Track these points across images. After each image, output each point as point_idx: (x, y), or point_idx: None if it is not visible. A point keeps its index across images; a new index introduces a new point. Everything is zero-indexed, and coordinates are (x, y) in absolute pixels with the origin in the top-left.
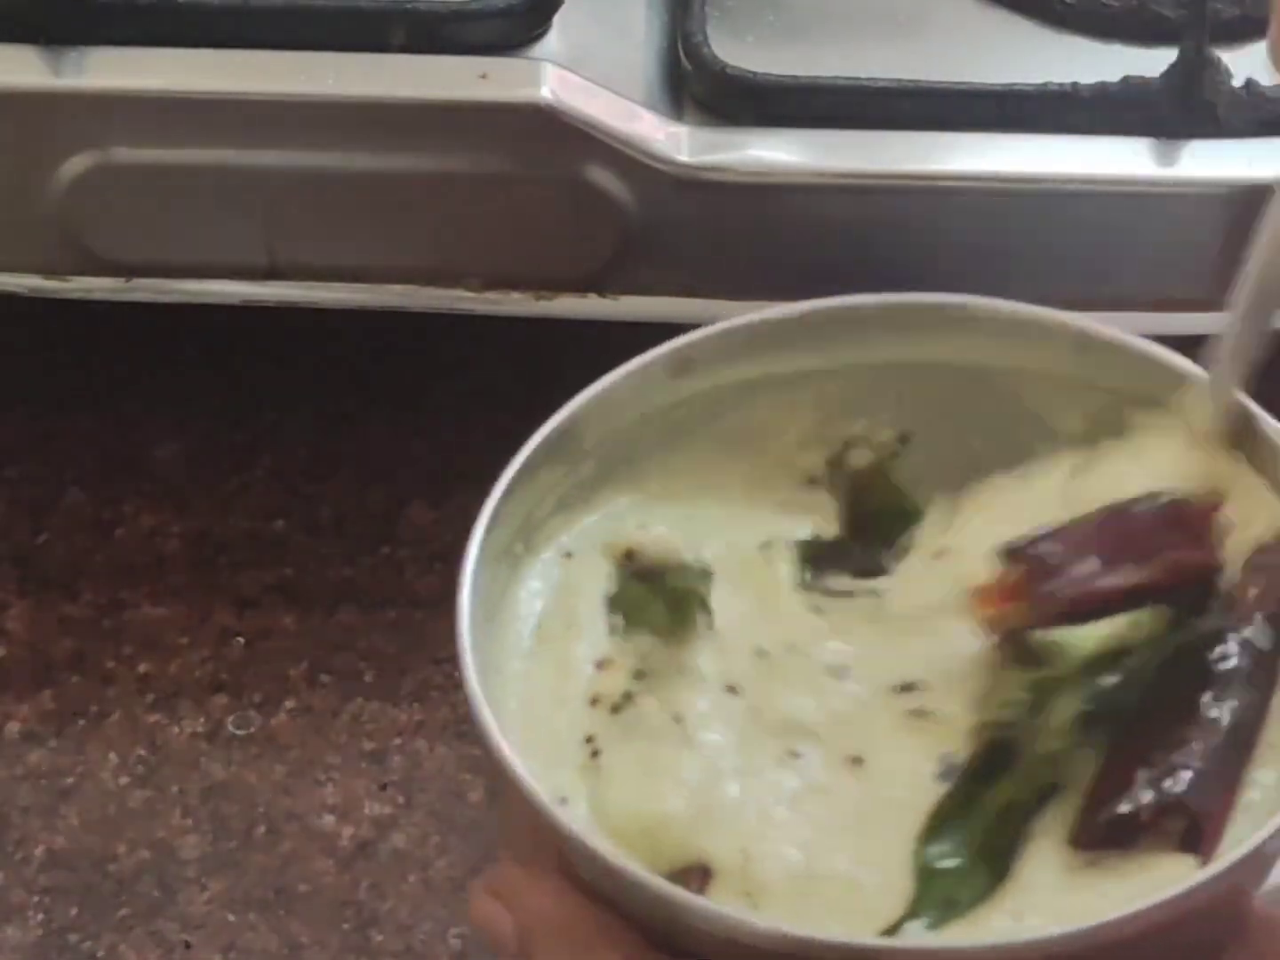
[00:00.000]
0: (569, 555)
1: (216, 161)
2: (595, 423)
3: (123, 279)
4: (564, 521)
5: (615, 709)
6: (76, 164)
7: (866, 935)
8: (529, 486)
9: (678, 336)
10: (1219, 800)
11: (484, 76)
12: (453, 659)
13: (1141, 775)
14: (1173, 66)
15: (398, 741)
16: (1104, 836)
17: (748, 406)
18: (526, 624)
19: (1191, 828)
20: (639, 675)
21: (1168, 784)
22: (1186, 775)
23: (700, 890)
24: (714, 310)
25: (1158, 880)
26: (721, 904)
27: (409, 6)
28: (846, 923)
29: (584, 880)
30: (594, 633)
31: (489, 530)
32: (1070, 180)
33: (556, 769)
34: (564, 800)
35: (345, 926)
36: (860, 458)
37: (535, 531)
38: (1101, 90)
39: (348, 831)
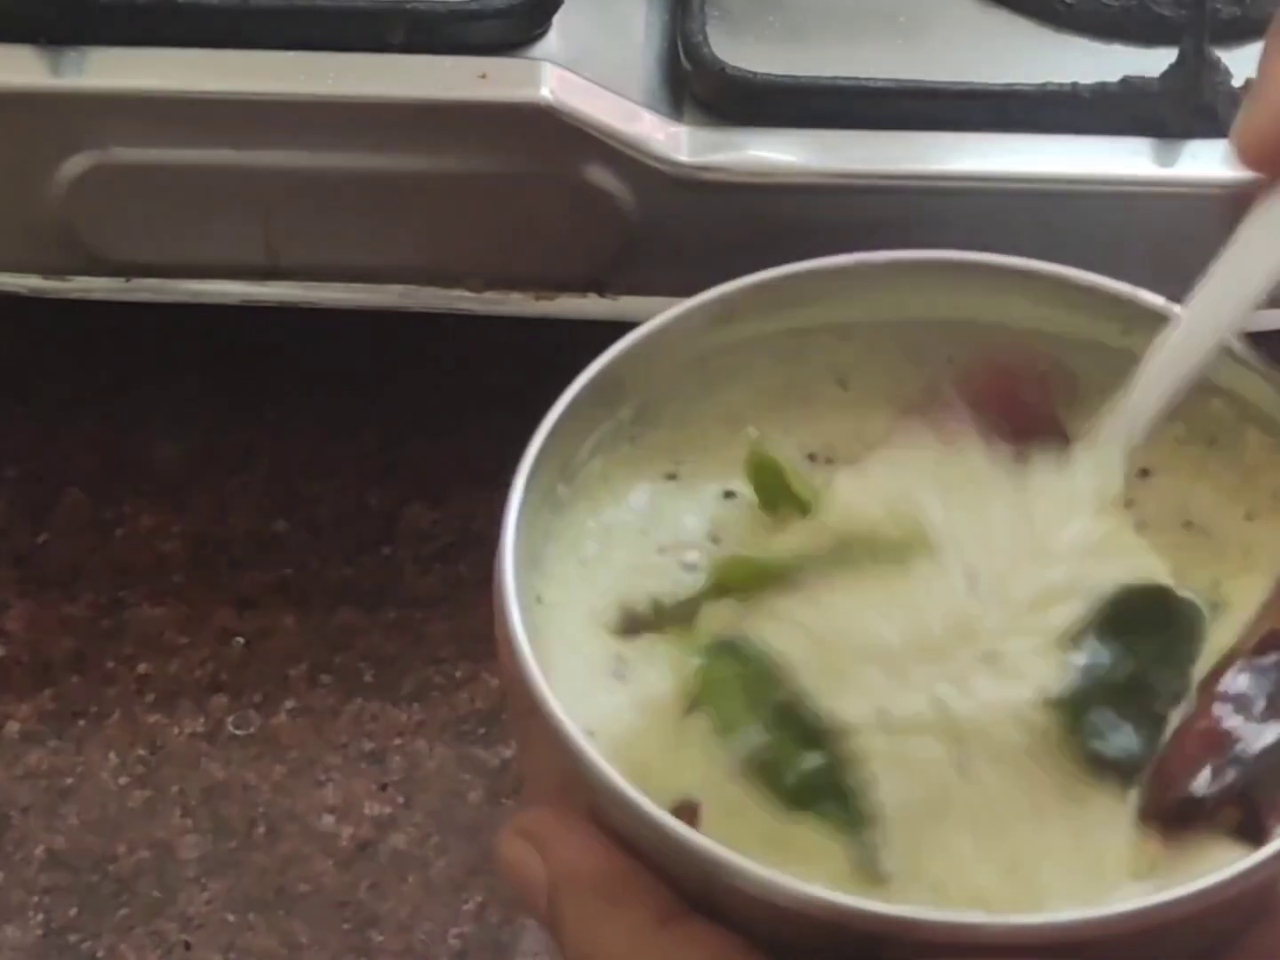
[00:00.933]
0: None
1: (216, 161)
2: (637, 368)
3: (123, 279)
4: (604, 462)
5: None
6: (76, 164)
7: (924, 908)
8: (571, 429)
9: (720, 284)
10: (1277, 795)
11: (484, 76)
12: (453, 659)
13: (1208, 763)
14: (1173, 66)
15: (398, 741)
16: (1167, 817)
17: (790, 354)
18: (570, 558)
19: (1250, 819)
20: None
21: (1234, 772)
22: (1251, 767)
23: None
24: None
25: (1209, 867)
26: (759, 865)
27: (409, 6)
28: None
29: (612, 825)
30: (636, 545)
31: (533, 472)
32: (1070, 180)
33: (586, 698)
34: (592, 733)
35: (345, 926)
36: None
37: (577, 472)
38: (1101, 90)
39: (348, 831)
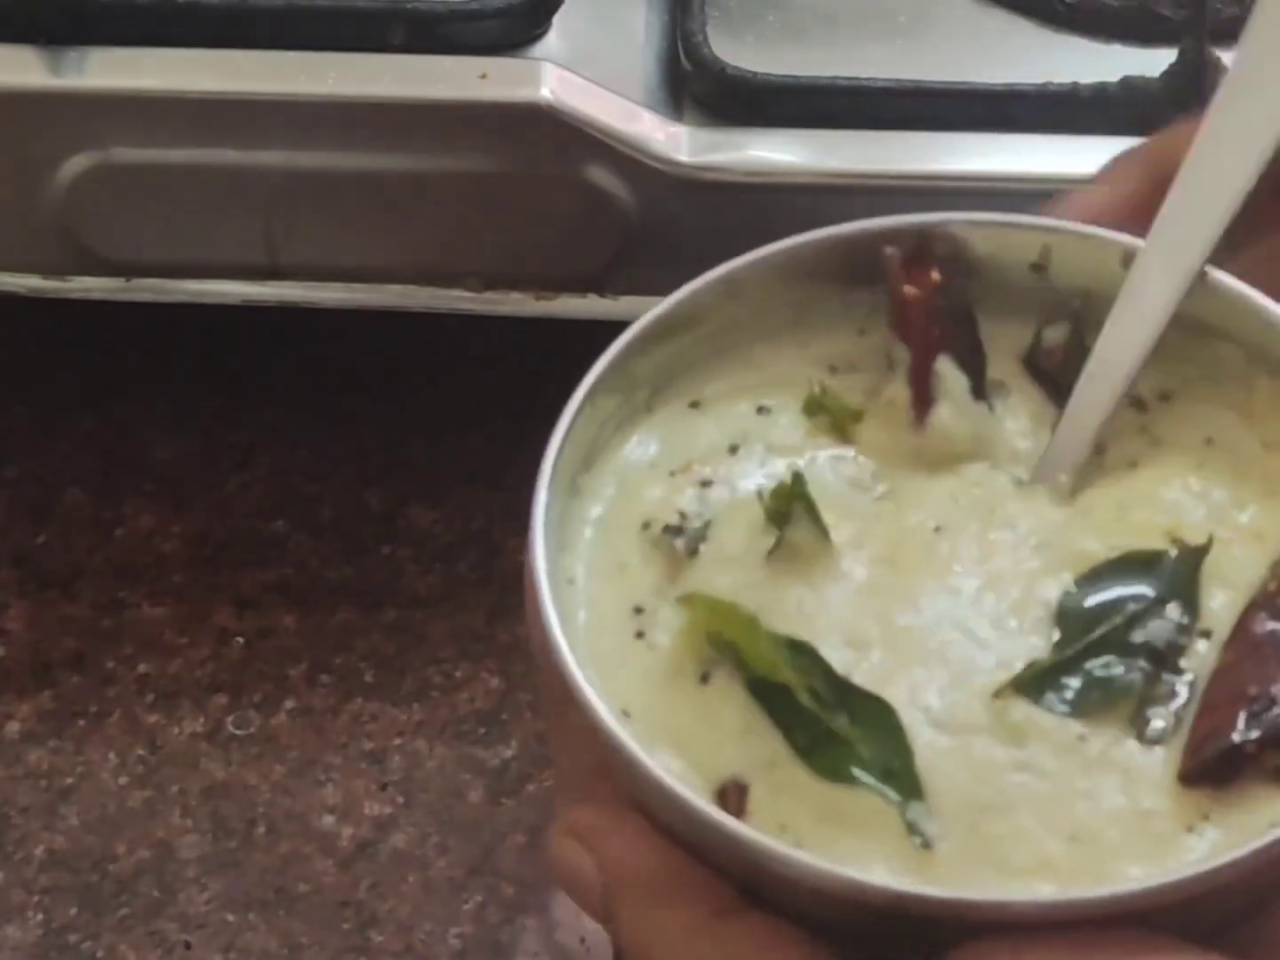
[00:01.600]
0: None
1: (216, 161)
2: (648, 351)
3: (123, 279)
4: (621, 440)
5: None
6: (76, 164)
7: (973, 890)
8: (589, 418)
9: (726, 262)
10: None
11: (484, 76)
12: (453, 659)
13: (1242, 710)
14: (1173, 66)
15: (398, 741)
16: (1210, 771)
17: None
18: (587, 525)
19: None
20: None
21: (1270, 716)
22: None
23: (739, 809)
24: None
25: (1259, 812)
26: (809, 854)
27: (409, 6)
28: (880, 843)
29: (655, 814)
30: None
31: (556, 462)
32: (1070, 180)
33: (615, 673)
34: (626, 714)
35: (345, 926)
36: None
37: (595, 458)
38: (1101, 90)
39: (348, 831)
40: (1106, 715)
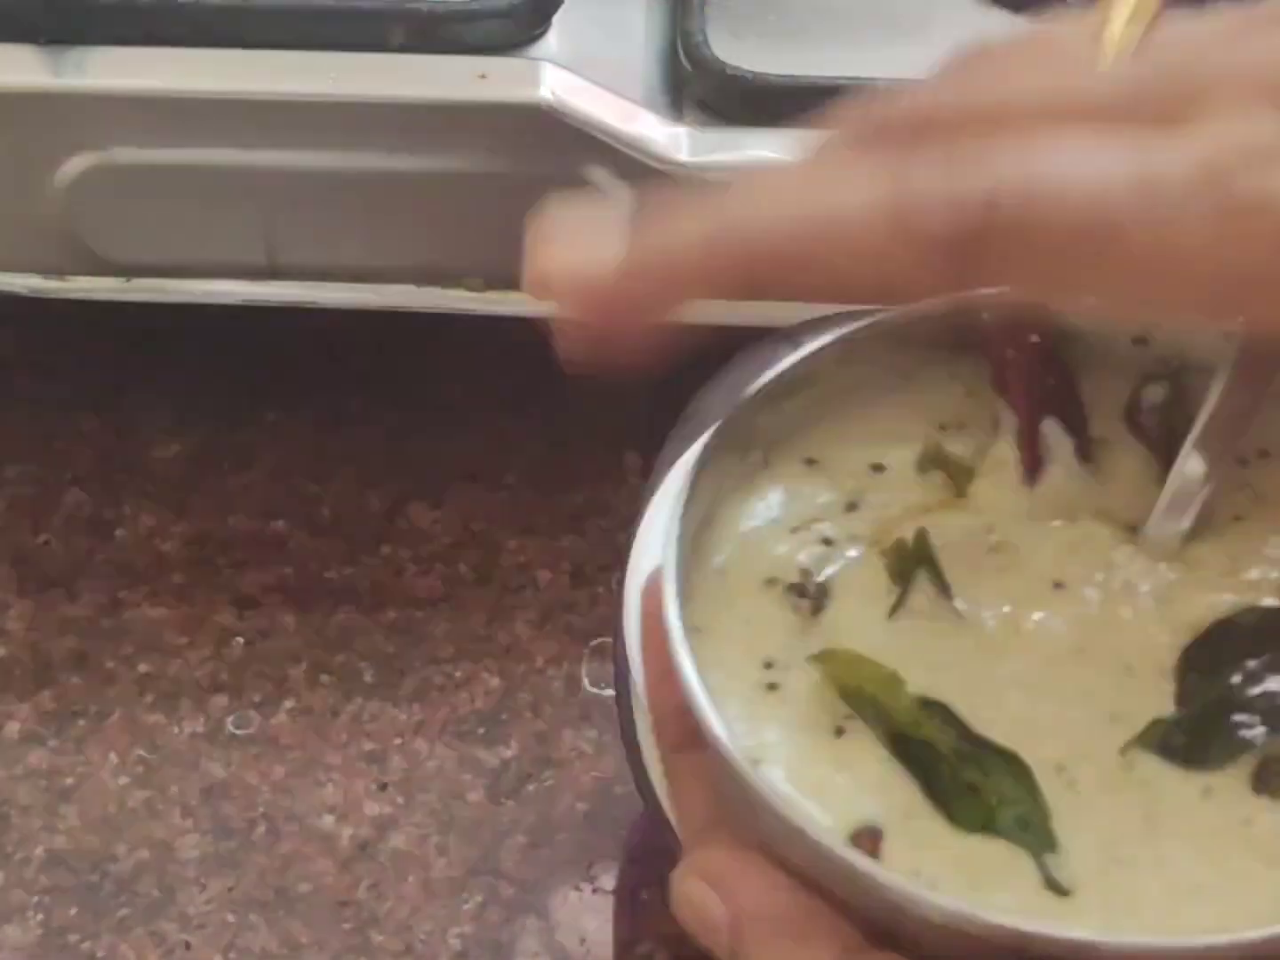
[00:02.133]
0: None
1: (216, 161)
2: (762, 412)
3: (123, 279)
4: (741, 497)
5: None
6: (76, 164)
7: (1118, 932)
8: (709, 476)
9: (845, 328)
10: None
11: (484, 76)
12: (453, 659)
13: None
14: None
15: (398, 741)
16: None
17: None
18: (713, 593)
19: None
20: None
21: None
22: None
23: (872, 855)
24: (713, 311)
25: None
26: (945, 896)
27: (409, 6)
28: (1016, 891)
29: (787, 858)
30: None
31: (683, 522)
32: None
33: (746, 723)
34: (758, 762)
35: (345, 926)
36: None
37: (715, 513)
38: None
39: (347, 831)
40: (1229, 770)
